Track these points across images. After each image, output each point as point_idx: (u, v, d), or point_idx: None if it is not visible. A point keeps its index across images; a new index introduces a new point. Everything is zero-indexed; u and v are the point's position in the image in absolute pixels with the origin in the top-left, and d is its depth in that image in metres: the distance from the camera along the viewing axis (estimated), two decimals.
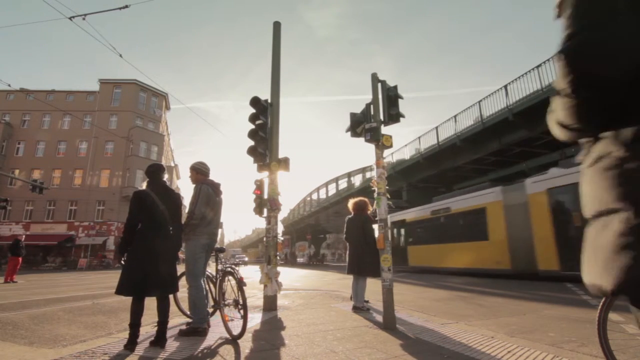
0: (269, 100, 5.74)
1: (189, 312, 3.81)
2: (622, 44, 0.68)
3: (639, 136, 0.70)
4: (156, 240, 3.02)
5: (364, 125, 4.35)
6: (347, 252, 5.29)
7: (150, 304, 3.12)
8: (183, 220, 3.48)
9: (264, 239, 5.58)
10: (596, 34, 0.69)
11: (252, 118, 5.61)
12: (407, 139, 42.23)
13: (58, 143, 33.83)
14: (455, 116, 17.21)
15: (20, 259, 12.49)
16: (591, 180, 0.80)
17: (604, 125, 0.77)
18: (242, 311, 3.26)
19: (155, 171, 3.29)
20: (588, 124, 0.78)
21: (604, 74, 0.69)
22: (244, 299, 3.24)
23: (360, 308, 4.83)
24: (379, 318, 4.09)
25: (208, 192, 3.59)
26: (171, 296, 3.45)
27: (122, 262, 3.02)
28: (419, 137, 19.92)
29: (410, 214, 17.08)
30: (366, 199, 5.31)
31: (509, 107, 13.96)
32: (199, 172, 3.79)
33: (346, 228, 5.28)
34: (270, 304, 4.93)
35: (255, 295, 6.71)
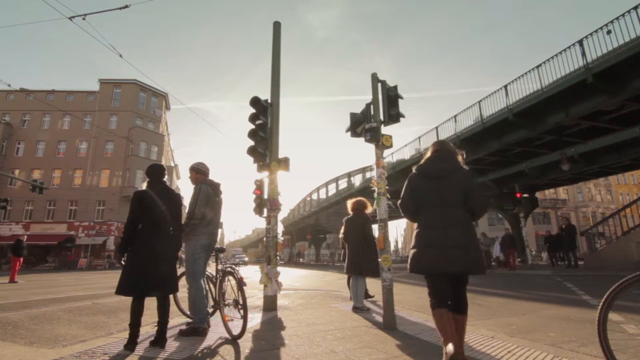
0: (269, 100, 5.73)
1: (189, 312, 3.81)
2: (406, 205, 2.57)
3: (419, 224, 2.49)
4: (156, 240, 3.01)
5: (364, 125, 4.35)
6: (345, 252, 5.28)
7: (150, 304, 3.11)
8: (183, 220, 3.48)
9: (264, 239, 5.58)
10: (402, 202, 2.59)
11: (252, 118, 5.61)
12: (407, 139, 42.33)
13: (58, 143, 33.84)
14: (455, 116, 17.19)
15: (22, 259, 12.52)
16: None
17: (415, 217, 2.54)
18: (242, 311, 3.26)
19: (156, 171, 3.29)
20: (408, 218, 2.60)
21: (404, 211, 2.60)
22: (244, 299, 3.24)
23: (360, 308, 4.83)
24: (379, 318, 4.09)
25: (207, 192, 3.59)
26: (171, 296, 3.44)
27: (122, 262, 3.02)
28: (419, 137, 19.90)
29: None
30: (365, 199, 5.31)
31: (509, 107, 13.96)
32: (199, 172, 3.79)
33: (345, 228, 5.27)
34: (270, 304, 4.93)
35: (255, 295, 6.71)
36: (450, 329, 2.25)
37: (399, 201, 2.59)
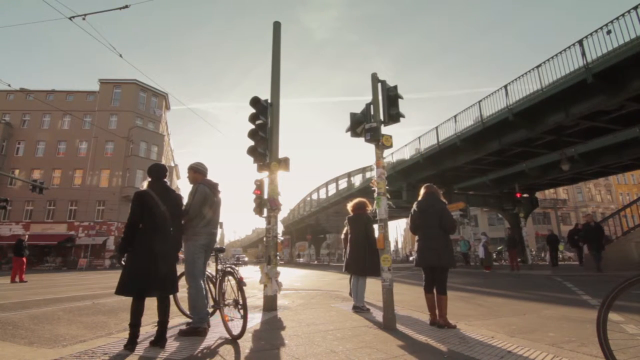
0: (269, 100, 5.73)
1: (188, 312, 3.81)
2: (411, 226, 4.24)
3: (418, 237, 4.09)
4: (156, 240, 3.01)
5: (364, 125, 4.34)
6: (346, 250, 5.23)
7: (150, 304, 3.12)
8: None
9: (264, 239, 5.58)
10: (409, 225, 4.28)
11: (252, 118, 5.61)
12: (406, 139, 42.16)
13: (58, 143, 33.80)
14: (455, 116, 17.16)
15: (24, 259, 12.53)
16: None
17: (415, 233, 4.18)
18: (242, 311, 3.26)
19: (157, 171, 3.29)
20: (413, 234, 4.23)
21: (411, 230, 4.32)
22: (244, 299, 3.24)
23: (361, 308, 4.83)
24: (379, 318, 4.09)
25: (205, 192, 3.58)
26: (171, 296, 3.44)
27: (122, 262, 3.02)
28: (419, 137, 19.88)
29: None
30: (365, 199, 5.30)
31: (509, 107, 13.95)
32: (197, 171, 3.78)
33: (348, 225, 5.23)
34: (270, 304, 4.93)
35: (255, 295, 6.71)
36: (432, 306, 3.89)
37: (408, 223, 4.24)
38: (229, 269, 3.55)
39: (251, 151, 5.55)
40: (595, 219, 12.69)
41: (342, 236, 5.46)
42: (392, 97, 4.33)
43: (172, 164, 49.20)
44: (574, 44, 11.48)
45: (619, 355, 1.92)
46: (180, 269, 3.73)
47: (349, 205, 5.30)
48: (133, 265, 2.94)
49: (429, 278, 3.94)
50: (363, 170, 28.26)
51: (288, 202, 60.74)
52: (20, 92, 31.36)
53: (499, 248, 25.47)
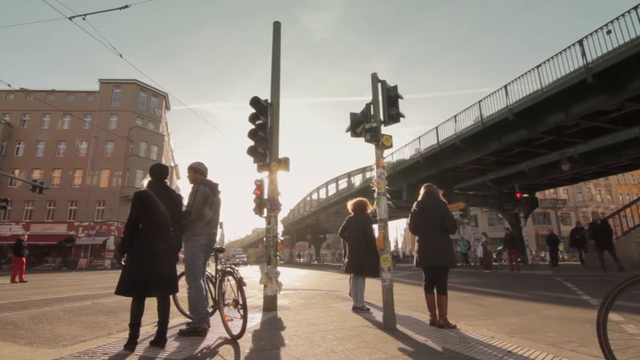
0: (269, 100, 5.73)
1: (188, 312, 3.81)
2: (411, 226, 4.18)
3: (418, 237, 4.05)
4: (156, 240, 3.01)
5: (364, 125, 4.34)
6: (345, 250, 5.26)
7: (150, 304, 3.11)
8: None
9: (264, 239, 5.58)
10: (409, 225, 4.27)
11: (252, 118, 5.60)
12: (406, 139, 42.22)
13: (58, 143, 33.80)
14: (455, 116, 17.16)
15: (24, 259, 12.54)
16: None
17: (415, 233, 4.12)
18: (241, 311, 3.26)
19: (159, 171, 3.29)
20: (413, 234, 4.18)
21: (410, 230, 4.29)
22: (244, 299, 3.24)
23: (360, 308, 4.83)
24: (379, 318, 4.09)
25: (205, 192, 3.58)
26: (171, 296, 3.44)
27: (122, 262, 3.02)
28: (419, 137, 19.87)
29: None
30: (365, 199, 5.30)
31: (509, 107, 13.94)
32: (197, 171, 3.78)
33: (345, 226, 5.25)
34: (270, 304, 4.93)
35: (255, 295, 6.71)
36: (432, 306, 3.89)
37: (408, 223, 4.26)
38: (228, 269, 3.55)
39: (251, 151, 5.55)
40: (599, 218, 12.20)
41: (340, 231, 5.41)
42: (392, 97, 4.33)
43: (172, 164, 49.20)
44: (574, 44, 11.47)
45: (619, 355, 1.92)
46: (180, 269, 3.73)
47: (349, 204, 5.30)
48: (133, 265, 2.94)
49: (429, 278, 3.93)
50: (363, 170, 28.25)
51: (288, 202, 60.84)
52: (20, 92, 31.35)
53: (498, 248, 25.47)
